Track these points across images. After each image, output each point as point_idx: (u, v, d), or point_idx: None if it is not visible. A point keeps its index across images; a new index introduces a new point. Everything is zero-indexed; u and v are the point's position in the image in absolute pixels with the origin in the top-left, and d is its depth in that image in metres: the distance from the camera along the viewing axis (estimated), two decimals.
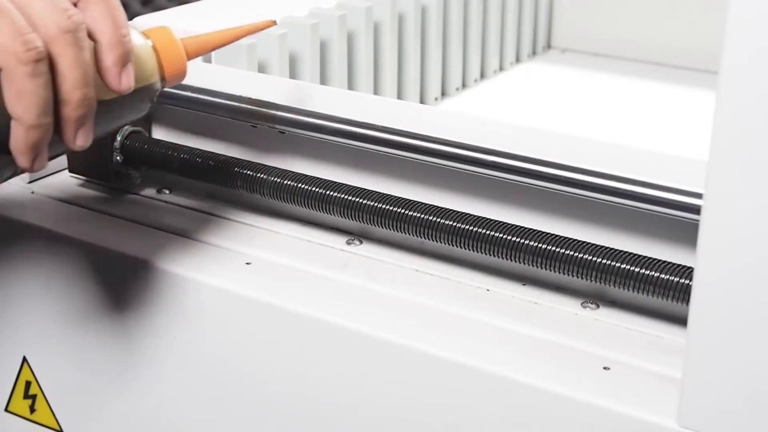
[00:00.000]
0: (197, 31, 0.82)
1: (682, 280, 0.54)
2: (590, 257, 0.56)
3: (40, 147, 0.49)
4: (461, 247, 0.61)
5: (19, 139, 0.48)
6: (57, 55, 0.48)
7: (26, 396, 0.72)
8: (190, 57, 0.58)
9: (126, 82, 0.52)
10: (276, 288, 0.60)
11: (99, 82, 0.52)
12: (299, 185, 0.65)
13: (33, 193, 0.72)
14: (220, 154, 0.69)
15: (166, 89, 0.59)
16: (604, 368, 0.53)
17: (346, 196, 0.64)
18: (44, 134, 0.49)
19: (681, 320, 0.55)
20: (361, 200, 0.63)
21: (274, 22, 0.62)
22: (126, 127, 0.70)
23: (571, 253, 0.57)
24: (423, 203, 0.62)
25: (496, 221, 0.60)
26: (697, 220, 0.45)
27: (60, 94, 0.49)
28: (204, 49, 0.59)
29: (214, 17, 0.87)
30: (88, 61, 0.50)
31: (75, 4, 0.50)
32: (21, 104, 0.47)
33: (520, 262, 0.59)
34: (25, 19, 0.48)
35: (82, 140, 0.50)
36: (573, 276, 0.57)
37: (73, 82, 0.49)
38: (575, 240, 0.58)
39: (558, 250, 0.57)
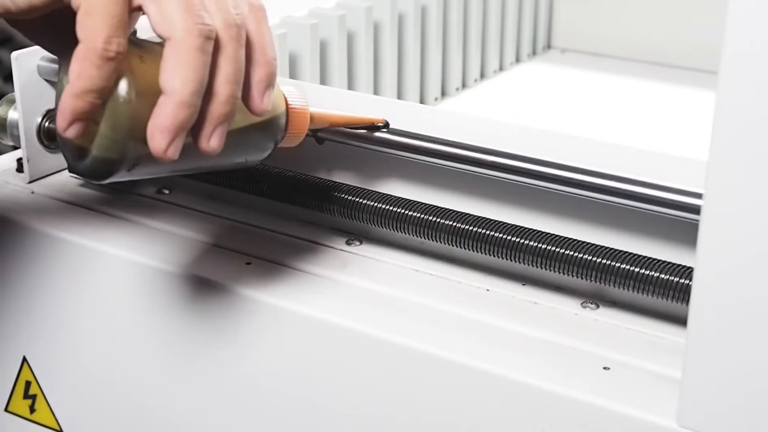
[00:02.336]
0: None
1: (682, 280, 0.54)
2: (590, 257, 0.56)
3: (182, 130, 0.47)
4: (461, 247, 0.61)
5: (165, 115, 0.46)
6: (220, 44, 0.48)
7: (26, 396, 0.72)
8: (312, 124, 0.59)
9: (266, 103, 0.51)
10: (276, 288, 0.60)
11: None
12: (299, 185, 0.65)
13: (33, 193, 0.72)
14: None
15: None
16: (604, 368, 0.53)
17: (346, 196, 0.64)
18: (190, 117, 0.47)
19: (681, 320, 0.55)
20: (361, 200, 0.63)
21: (386, 122, 0.63)
22: None
23: (571, 253, 0.57)
24: (423, 203, 0.62)
25: (496, 221, 0.60)
26: (697, 220, 0.45)
27: (211, 86, 0.48)
28: (323, 121, 0.61)
29: None
30: (242, 60, 0.49)
31: None
32: (180, 77, 0.46)
33: (520, 262, 0.59)
34: None
35: (216, 142, 0.49)
36: (573, 276, 0.57)
37: (227, 76, 0.48)
38: (575, 240, 0.58)
39: (558, 250, 0.57)
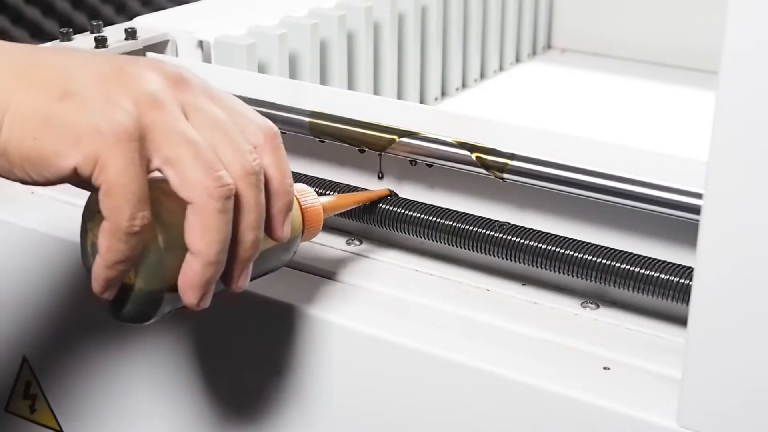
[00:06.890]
0: (195, 30, 0.82)
1: (682, 280, 0.54)
2: (590, 257, 0.56)
3: (211, 284, 0.48)
4: (461, 247, 0.61)
5: (194, 274, 0.47)
6: (240, 195, 0.48)
7: (26, 396, 0.72)
8: (325, 214, 0.58)
9: (286, 230, 0.51)
10: (276, 288, 0.60)
11: None
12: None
13: (33, 193, 0.72)
14: None
15: None
16: (604, 368, 0.53)
17: None
18: (218, 271, 0.48)
19: (681, 320, 0.55)
20: None
21: (390, 191, 0.64)
22: None
23: (571, 253, 0.57)
24: (423, 203, 0.62)
25: (496, 221, 0.60)
26: (697, 220, 0.45)
27: (236, 234, 0.48)
28: (335, 209, 0.61)
29: (214, 17, 0.87)
30: (263, 204, 0.49)
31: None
32: (205, 239, 0.46)
33: (520, 262, 0.59)
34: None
35: (243, 282, 0.50)
36: (573, 276, 0.57)
37: (250, 223, 0.48)
38: (575, 240, 0.58)
39: (558, 250, 0.57)
